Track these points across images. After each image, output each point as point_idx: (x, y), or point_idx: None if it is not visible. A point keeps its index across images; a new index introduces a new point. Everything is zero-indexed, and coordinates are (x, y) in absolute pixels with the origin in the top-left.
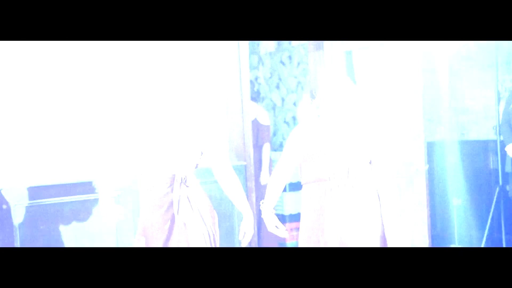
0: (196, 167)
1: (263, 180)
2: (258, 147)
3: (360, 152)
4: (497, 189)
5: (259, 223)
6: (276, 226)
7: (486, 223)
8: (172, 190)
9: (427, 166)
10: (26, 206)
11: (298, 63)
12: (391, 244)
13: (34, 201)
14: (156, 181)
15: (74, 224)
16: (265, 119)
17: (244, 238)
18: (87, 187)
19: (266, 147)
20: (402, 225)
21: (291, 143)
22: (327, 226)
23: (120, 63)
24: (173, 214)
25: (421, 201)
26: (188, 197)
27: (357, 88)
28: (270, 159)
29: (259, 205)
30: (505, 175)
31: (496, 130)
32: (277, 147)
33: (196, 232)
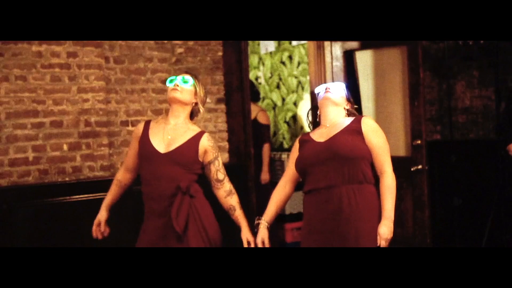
0: (199, 175)
1: (263, 180)
2: (258, 147)
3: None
4: (498, 189)
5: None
6: (262, 242)
7: (487, 223)
8: (176, 199)
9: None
10: (26, 206)
11: (299, 63)
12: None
13: (34, 201)
14: (161, 191)
15: (74, 224)
16: (265, 119)
17: (249, 246)
18: (87, 187)
19: (266, 147)
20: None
21: (291, 155)
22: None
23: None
24: (176, 223)
25: (421, 201)
26: (191, 207)
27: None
28: (270, 159)
29: (258, 205)
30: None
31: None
32: (278, 147)
33: (198, 242)
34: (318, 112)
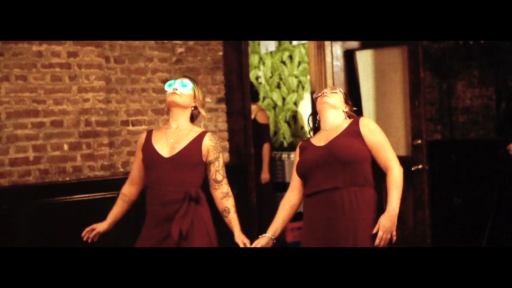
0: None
1: (263, 179)
2: (258, 147)
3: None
4: (498, 188)
5: (260, 224)
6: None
7: (487, 223)
8: (183, 206)
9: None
10: (27, 206)
11: (299, 63)
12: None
13: (35, 200)
14: (166, 196)
15: (75, 224)
16: (264, 118)
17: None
18: (87, 186)
19: (266, 147)
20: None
21: (294, 163)
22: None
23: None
24: (175, 229)
25: (421, 201)
26: (196, 213)
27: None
28: (270, 159)
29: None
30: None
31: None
32: (278, 147)
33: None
34: (318, 118)
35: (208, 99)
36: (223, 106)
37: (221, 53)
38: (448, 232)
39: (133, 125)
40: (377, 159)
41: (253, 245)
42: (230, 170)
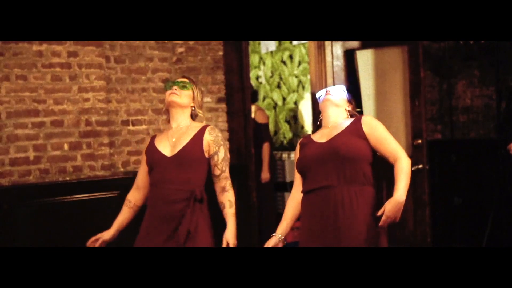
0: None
1: (263, 179)
2: (257, 147)
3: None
4: (498, 188)
5: (260, 224)
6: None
7: (487, 223)
8: (187, 204)
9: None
10: (27, 206)
11: (299, 62)
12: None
13: (35, 200)
14: (169, 195)
15: (75, 223)
16: (263, 118)
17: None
18: (88, 186)
19: (266, 146)
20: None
21: (295, 160)
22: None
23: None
24: (185, 227)
25: (421, 200)
26: (201, 212)
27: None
28: (271, 158)
29: (259, 204)
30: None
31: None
32: (278, 146)
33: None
34: (320, 117)
35: (208, 99)
36: (223, 106)
37: (221, 53)
38: (448, 232)
39: (133, 124)
40: (384, 154)
41: (265, 246)
42: (231, 169)
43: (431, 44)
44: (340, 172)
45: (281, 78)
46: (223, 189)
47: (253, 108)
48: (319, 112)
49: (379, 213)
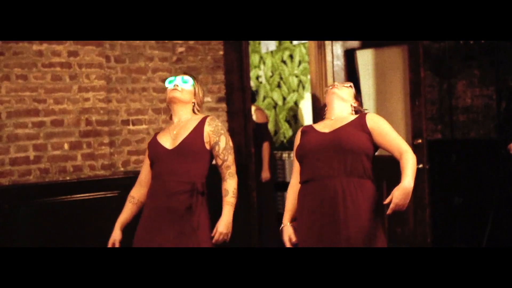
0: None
1: (264, 178)
2: (257, 146)
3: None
4: (498, 188)
5: (260, 224)
6: (289, 241)
7: (487, 223)
8: (189, 197)
9: None
10: (27, 205)
11: (299, 62)
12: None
13: (35, 200)
14: (170, 187)
15: (75, 223)
16: (262, 118)
17: (216, 237)
18: (88, 186)
19: (266, 145)
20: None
21: (294, 148)
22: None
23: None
24: (188, 220)
25: (422, 200)
26: (202, 206)
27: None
28: (271, 157)
29: (259, 204)
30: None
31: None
32: (278, 146)
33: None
34: (325, 109)
35: (208, 99)
36: (223, 105)
37: (221, 53)
38: (448, 232)
39: (133, 124)
40: (389, 148)
41: (285, 238)
42: None
43: (431, 44)
44: (341, 163)
45: (281, 78)
46: (224, 178)
47: (251, 108)
48: (324, 106)
49: (387, 201)
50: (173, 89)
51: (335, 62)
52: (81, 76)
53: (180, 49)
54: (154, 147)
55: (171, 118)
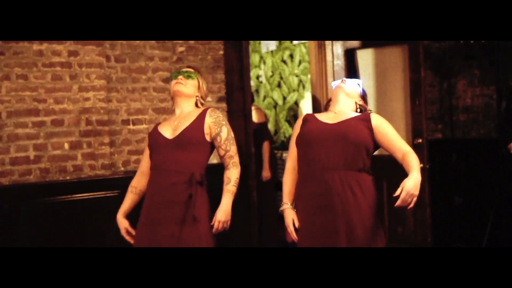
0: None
1: (264, 177)
2: (257, 146)
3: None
4: (499, 188)
5: (260, 224)
6: (291, 226)
7: (487, 223)
8: (188, 187)
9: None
10: (28, 205)
11: (300, 62)
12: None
13: (36, 200)
14: (169, 178)
15: (76, 223)
16: (261, 117)
17: (216, 226)
18: (88, 185)
19: (266, 144)
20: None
21: (293, 134)
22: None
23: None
24: (188, 210)
25: (422, 200)
26: (201, 197)
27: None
28: (271, 157)
29: (259, 204)
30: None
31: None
32: (279, 146)
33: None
34: (329, 103)
35: (208, 98)
36: (223, 105)
37: (221, 52)
38: (448, 232)
39: (133, 124)
40: (392, 150)
41: (288, 222)
42: None
43: (432, 44)
44: (342, 154)
45: (281, 78)
46: (227, 167)
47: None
48: (329, 100)
49: (397, 193)
50: (177, 82)
51: (335, 62)
52: (81, 75)
53: (180, 49)
54: (155, 136)
55: (174, 110)
